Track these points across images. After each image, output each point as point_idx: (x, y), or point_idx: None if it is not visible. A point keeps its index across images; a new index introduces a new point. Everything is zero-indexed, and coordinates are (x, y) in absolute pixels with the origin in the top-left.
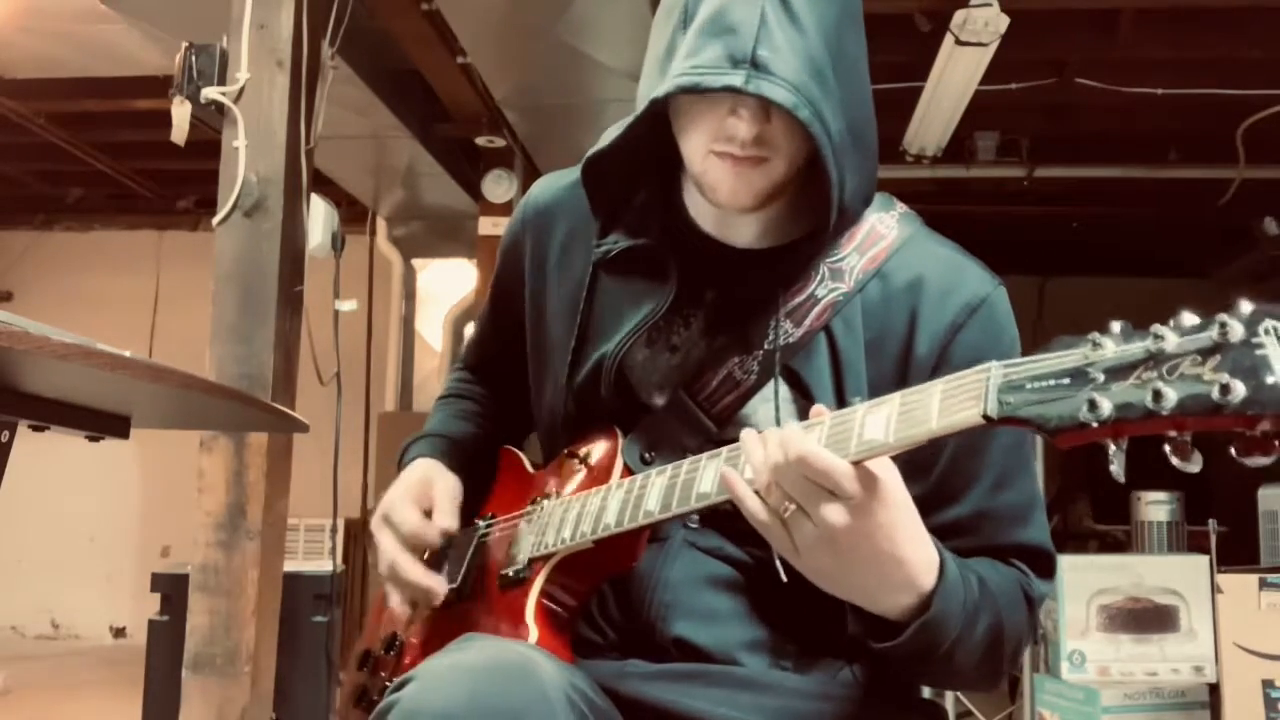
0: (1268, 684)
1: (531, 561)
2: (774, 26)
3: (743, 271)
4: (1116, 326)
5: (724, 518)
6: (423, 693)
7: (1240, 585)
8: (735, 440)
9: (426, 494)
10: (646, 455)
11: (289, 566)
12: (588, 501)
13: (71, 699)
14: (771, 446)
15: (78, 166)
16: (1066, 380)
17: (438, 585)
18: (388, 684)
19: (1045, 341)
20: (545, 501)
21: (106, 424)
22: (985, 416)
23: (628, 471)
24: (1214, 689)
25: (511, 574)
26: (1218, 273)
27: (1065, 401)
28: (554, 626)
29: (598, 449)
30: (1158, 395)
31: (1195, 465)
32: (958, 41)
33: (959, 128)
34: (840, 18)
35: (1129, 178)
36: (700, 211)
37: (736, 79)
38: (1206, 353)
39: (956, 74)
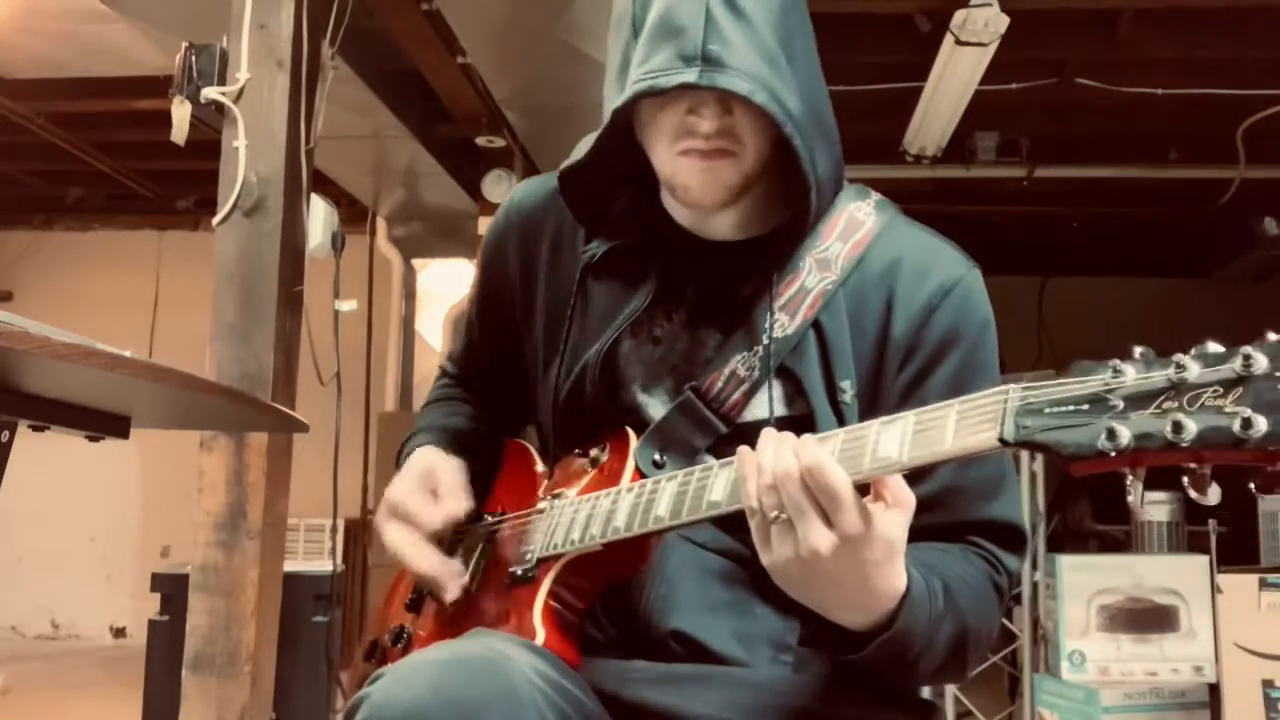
0: (1268, 684)
1: (540, 561)
2: (721, 21)
3: (722, 263)
4: (1138, 352)
5: None
6: (390, 687)
7: (1240, 585)
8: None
9: (431, 481)
10: (658, 458)
11: (289, 566)
12: (598, 503)
13: (71, 699)
14: (784, 449)
15: (78, 166)
16: (1085, 407)
17: (447, 576)
18: None
19: (1047, 342)
20: (555, 501)
21: (106, 424)
22: (1001, 440)
23: (639, 475)
24: (1214, 689)
25: (520, 573)
26: (1218, 273)
27: (1083, 429)
28: (561, 627)
29: (609, 450)
30: (1178, 426)
31: (1213, 498)
32: (958, 41)
33: (959, 128)
34: (785, 7)
35: (1129, 178)
36: (678, 210)
37: (690, 75)
38: (1229, 385)
39: (956, 74)
